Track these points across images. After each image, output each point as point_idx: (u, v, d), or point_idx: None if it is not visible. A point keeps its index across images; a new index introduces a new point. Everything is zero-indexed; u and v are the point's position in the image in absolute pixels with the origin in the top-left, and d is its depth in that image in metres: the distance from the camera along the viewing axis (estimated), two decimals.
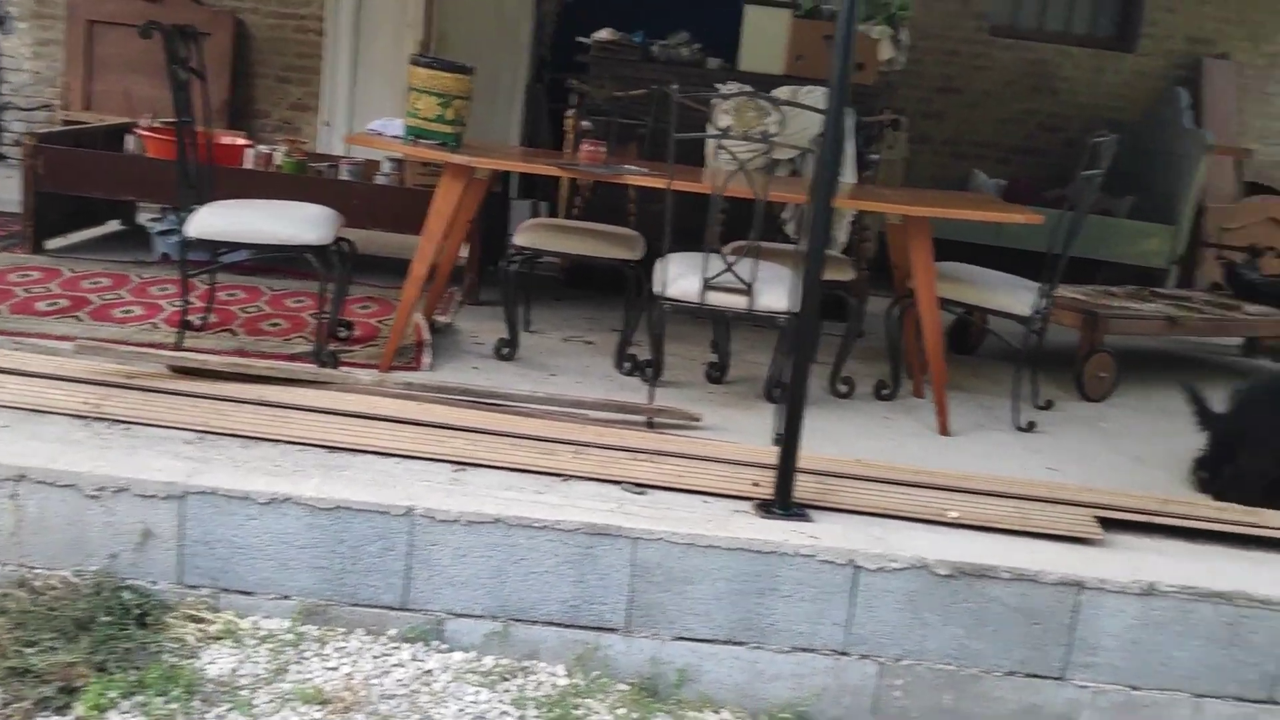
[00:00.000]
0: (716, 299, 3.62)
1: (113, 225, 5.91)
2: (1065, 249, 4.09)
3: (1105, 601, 2.87)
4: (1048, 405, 4.45)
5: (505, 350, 4.29)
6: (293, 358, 3.95)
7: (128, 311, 4.35)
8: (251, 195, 4.68)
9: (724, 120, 3.64)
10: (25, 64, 7.85)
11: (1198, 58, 7.67)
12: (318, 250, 3.75)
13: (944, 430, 4.00)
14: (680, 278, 3.65)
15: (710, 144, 4.54)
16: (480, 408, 3.41)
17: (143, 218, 6.01)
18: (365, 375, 3.60)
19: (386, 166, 5.55)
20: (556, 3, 7.47)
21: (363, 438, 3.14)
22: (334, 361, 3.82)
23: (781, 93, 4.77)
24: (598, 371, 4.31)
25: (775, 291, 3.62)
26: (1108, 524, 3.14)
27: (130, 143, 5.53)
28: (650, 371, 4.13)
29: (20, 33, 7.80)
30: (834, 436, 3.81)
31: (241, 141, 5.49)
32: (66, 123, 7.58)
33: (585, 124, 5.44)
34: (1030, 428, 4.16)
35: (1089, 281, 6.59)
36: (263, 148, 5.61)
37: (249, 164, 5.39)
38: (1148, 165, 7.23)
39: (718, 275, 3.58)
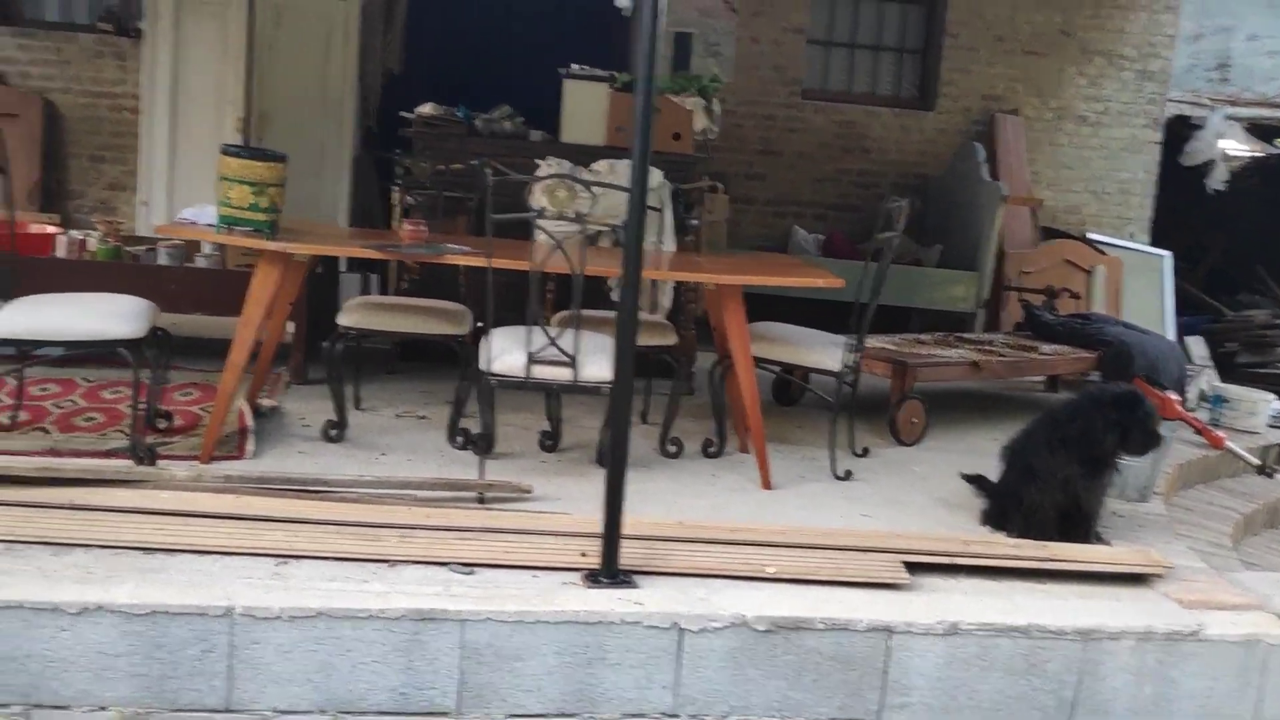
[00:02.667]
0: (541, 372, 3.71)
1: None
2: (868, 306, 4.34)
3: (914, 644, 3.04)
4: (864, 453, 4.68)
5: (333, 432, 4.26)
6: (108, 454, 3.84)
7: None
8: (64, 286, 4.54)
9: (539, 200, 3.75)
10: None
11: (991, 114, 8.25)
12: (130, 344, 3.66)
13: (766, 484, 4.16)
14: (505, 353, 3.72)
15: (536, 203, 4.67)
16: (303, 496, 3.38)
17: None
18: (182, 470, 3.53)
19: (207, 248, 5.46)
20: (381, 76, 7.51)
21: (179, 536, 3.09)
22: (151, 457, 3.73)
23: (601, 165, 4.94)
24: (430, 447, 4.33)
25: (598, 362, 3.73)
26: (915, 568, 3.34)
27: None
28: (483, 445, 4.18)
29: None
30: (663, 498, 3.92)
31: (51, 229, 5.32)
32: None
33: (408, 199, 5.49)
34: (848, 476, 4.37)
35: (903, 327, 6.98)
36: (75, 233, 5.45)
37: (61, 252, 5.22)
38: (952, 216, 7.72)
39: (541, 349, 3.66)
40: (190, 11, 6.84)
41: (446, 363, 4.93)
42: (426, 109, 5.99)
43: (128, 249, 5.36)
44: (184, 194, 7.01)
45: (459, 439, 4.33)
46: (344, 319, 4.24)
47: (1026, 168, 8.25)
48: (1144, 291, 8.16)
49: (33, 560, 2.92)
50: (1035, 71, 8.37)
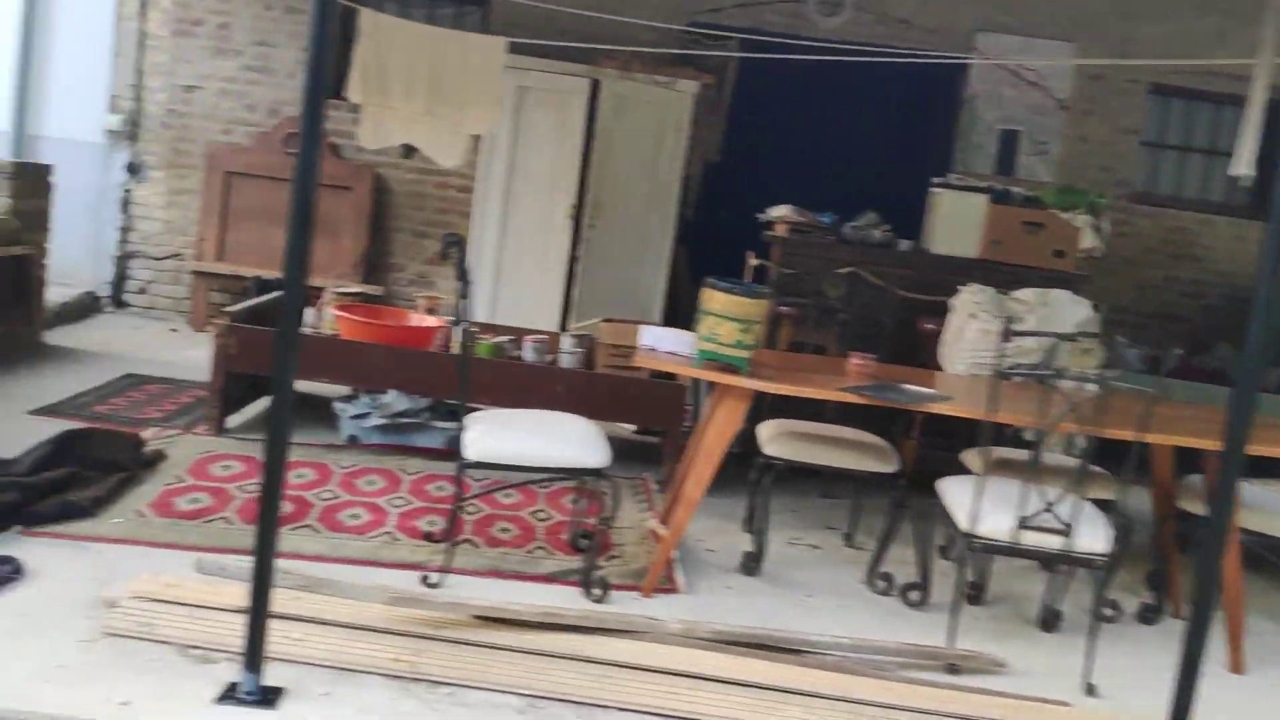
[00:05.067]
0: (1031, 539, 3.41)
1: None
2: None
3: None
4: None
5: (752, 565, 4.08)
6: (550, 578, 3.74)
7: (354, 516, 4.14)
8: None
9: (1063, 357, 3.48)
10: (157, 212, 7.79)
11: None
12: (597, 472, 3.56)
13: (1237, 668, 3.76)
14: (994, 513, 3.43)
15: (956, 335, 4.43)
16: (784, 656, 3.17)
17: (306, 386, 5.83)
18: (675, 623, 3.32)
19: (567, 343, 5.39)
20: (701, 165, 7.45)
21: (693, 704, 2.91)
22: (605, 589, 3.60)
23: (1027, 294, 4.65)
24: (849, 590, 4.08)
25: (1093, 532, 3.42)
26: None
27: (311, 316, 5.39)
28: (913, 595, 3.94)
29: (154, 181, 7.76)
30: (1127, 676, 3.57)
31: (432, 321, 5.35)
32: (195, 273, 7.51)
33: (784, 309, 5.32)
34: None
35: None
36: (445, 322, 5.46)
37: (437, 345, 5.22)
38: None
39: (1036, 515, 3.38)
40: (532, 100, 6.92)
41: (796, 479, 4.71)
42: (785, 211, 5.84)
43: (496, 341, 5.33)
44: (510, 277, 7.07)
45: (880, 583, 4.08)
46: (772, 449, 4.05)
47: None
48: None
49: None
50: None
